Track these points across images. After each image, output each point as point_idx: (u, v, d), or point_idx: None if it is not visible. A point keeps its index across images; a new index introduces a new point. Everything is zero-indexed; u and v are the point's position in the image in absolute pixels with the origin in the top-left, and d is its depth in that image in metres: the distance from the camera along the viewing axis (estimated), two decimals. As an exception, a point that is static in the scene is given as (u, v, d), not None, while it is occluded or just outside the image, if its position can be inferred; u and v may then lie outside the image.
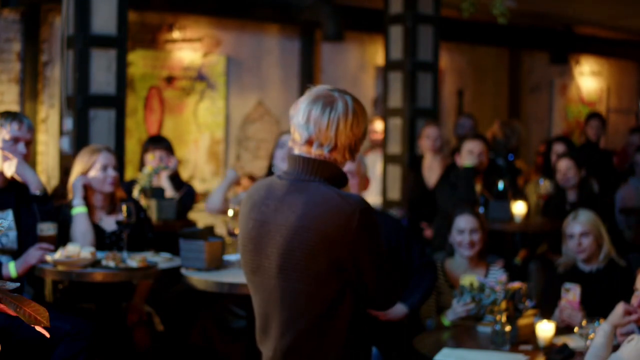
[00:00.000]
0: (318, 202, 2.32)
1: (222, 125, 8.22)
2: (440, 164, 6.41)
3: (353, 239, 2.30)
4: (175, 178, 5.88)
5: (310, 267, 2.31)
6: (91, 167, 4.28)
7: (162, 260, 4.08)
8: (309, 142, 2.39)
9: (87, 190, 4.31)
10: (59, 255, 3.83)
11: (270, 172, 5.06)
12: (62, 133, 5.94)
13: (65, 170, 5.48)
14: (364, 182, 4.07)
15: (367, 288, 2.38)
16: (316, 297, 2.33)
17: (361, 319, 2.40)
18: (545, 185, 6.24)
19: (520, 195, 6.05)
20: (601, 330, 3.02)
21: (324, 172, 2.38)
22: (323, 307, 2.33)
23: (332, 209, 2.30)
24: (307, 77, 8.66)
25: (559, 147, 6.74)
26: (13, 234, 4.01)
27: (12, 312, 1.67)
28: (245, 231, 2.46)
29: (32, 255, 3.87)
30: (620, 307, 3.10)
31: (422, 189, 6.33)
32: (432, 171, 6.43)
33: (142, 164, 5.90)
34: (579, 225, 4.23)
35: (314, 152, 2.39)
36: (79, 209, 4.21)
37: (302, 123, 2.40)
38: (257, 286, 2.45)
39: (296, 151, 2.44)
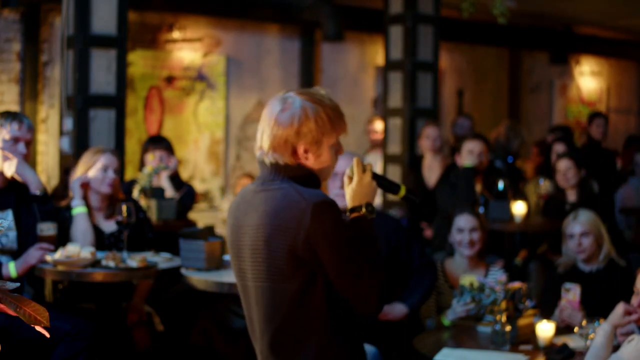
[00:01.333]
0: (277, 199, 2.35)
1: (222, 125, 8.22)
2: (440, 164, 6.41)
3: (307, 232, 2.28)
4: (175, 178, 5.88)
5: (272, 263, 2.34)
6: (92, 166, 4.28)
7: (162, 260, 4.08)
8: (260, 148, 2.44)
9: (86, 190, 4.31)
10: (59, 255, 3.83)
11: None
12: (62, 133, 5.94)
13: (65, 170, 5.48)
14: None
15: (337, 288, 2.34)
16: (283, 293, 2.34)
17: (340, 316, 2.37)
18: (545, 185, 6.24)
19: (520, 195, 6.05)
20: (601, 330, 3.02)
21: (288, 172, 2.40)
22: (291, 303, 2.34)
23: (287, 204, 2.32)
24: (307, 77, 8.66)
25: (559, 147, 6.74)
26: (13, 234, 4.01)
27: (12, 312, 1.67)
28: (228, 237, 2.53)
29: (32, 255, 3.87)
30: (620, 307, 3.10)
31: (422, 188, 6.33)
32: (432, 171, 6.43)
33: (142, 164, 5.90)
34: (579, 225, 4.23)
35: (265, 156, 2.42)
36: (78, 209, 4.21)
37: (258, 134, 2.47)
38: (242, 289, 2.50)
39: (259, 158, 2.48)
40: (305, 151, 2.39)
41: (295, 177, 2.40)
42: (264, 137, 2.40)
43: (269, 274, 2.35)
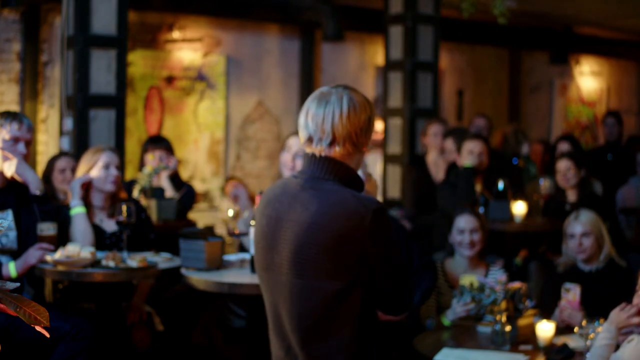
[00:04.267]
0: (332, 201, 2.33)
1: (222, 125, 8.22)
2: (445, 161, 6.41)
3: (364, 239, 2.30)
4: (175, 178, 5.88)
5: (319, 264, 2.33)
6: (93, 165, 4.28)
7: (162, 260, 4.08)
8: (310, 140, 2.41)
9: (88, 189, 4.31)
10: (59, 255, 3.83)
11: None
12: (62, 133, 5.94)
13: (44, 176, 5.32)
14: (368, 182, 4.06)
15: (379, 290, 2.38)
16: (323, 293, 2.34)
17: (370, 317, 2.40)
18: (545, 185, 6.24)
19: (520, 195, 6.05)
20: (607, 333, 3.01)
21: (339, 173, 2.39)
22: (330, 303, 2.34)
23: (345, 209, 2.31)
24: (307, 77, 8.66)
25: (563, 147, 6.74)
26: (13, 234, 4.01)
27: (12, 312, 1.67)
28: (259, 228, 2.48)
29: (32, 255, 3.87)
30: (622, 309, 3.08)
31: (429, 184, 6.34)
32: (438, 167, 6.43)
33: (142, 164, 5.90)
34: (580, 226, 4.23)
35: (315, 148, 2.40)
36: (77, 210, 4.21)
37: (302, 123, 2.42)
38: (269, 283, 2.46)
39: (307, 150, 2.44)
40: (352, 144, 2.39)
41: (344, 176, 2.39)
42: (325, 126, 2.36)
43: (311, 273, 2.34)
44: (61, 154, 5.47)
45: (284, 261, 2.39)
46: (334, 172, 2.38)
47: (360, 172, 2.51)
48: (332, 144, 2.38)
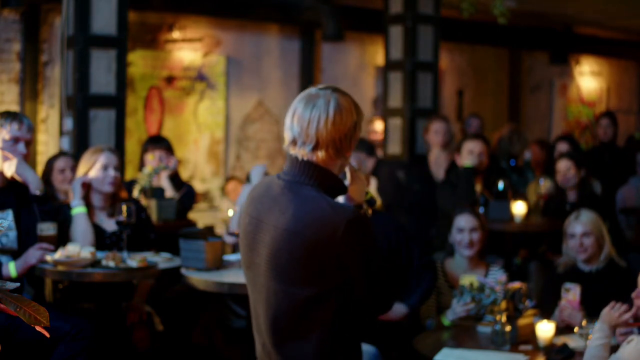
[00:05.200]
0: (308, 209, 2.32)
1: (222, 125, 8.22)
2: (447, 158, 6.41)
3: (339, 248, 2.30)
4: (175, 178, 5.88)
5: (292, 271, 2.33)
6: (92, 166, 4.28)
7: (162, 260, 4.08)
8: (294, 142, 2.38)
9: (88, 190, 4.31)
10: (59, 255, 3.83)
11: None
12: (62, 133, 5.93)
13: (43, 176, 5.33)
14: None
15: (358, 294, 2.38)
16: (296, 298, 2.34)
17: (345, 322, 2.39)
18: (545, 185, 6.24)
19: (520, 195, 6.05)
20: (601, 332, 3.01)
21: (319, 178, 2.37)
22: (302, 308, 2.35)
23: (319, 218, 2.30)
24: (307, 77, 8.66)
25: (562, 147, 6.74)
26: (13, 234, 4.00)
27: (12, 312, 1.67)
28: (243, 226, 2.49)
29: (32, 255, 3.86)
30: (612, 308, 3.08)
31: (431, 183, 6.34)
32: (439, 166, 6.43)
33: (142, 164, 5.90)
34: (581, 226, 4.23)
35: (299, 151, 2.37)
36: (78, 209, 4.21)
37: (288, 124, 2.40)
38: (250, 282, 2.49)
39: (291, 152, 2.43)
40: (335, 149, 2.36)
41: (325, 182, 2.37)
42: (309, 131, 2.34)
43: (286, 278, 2.34)
44: (60, 153, 5.47)
45: (262, 263, 2.40)
46: (314, 177, 2.36)
47: (348, 173, 2.48)
48: (315, 148, 2.35)
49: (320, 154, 2.36)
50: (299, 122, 2.36)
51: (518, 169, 6.89)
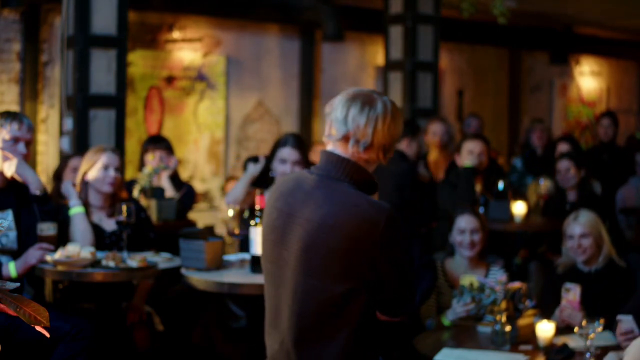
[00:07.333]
0: (346, 204, 2.34)
1: (222, 125, 8.22)
2: (446, 159, 6.42)
3: (375, 246, 2.32)
4: (175, 178, 5.88)
5: (327, 265, 2.33)
6: (93, 165, 4.28)
7: (162, 260, 4.08)
8: (346, 138, 2.41)
9: (88, 189, 4.31)
10: (59, 255, 3.83)
11: (266, 174, 4.83)
12: (62, 133, 5.94)
13: (56, 175, 5.38)
14: None
15: (384, 294, 2.39)
16: (328, 294, 2.34)
17: (369, 322, 2.41)
18: (545, 185, 6.24)
19: (520, 195, 6.05)
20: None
21: (355, 175, 2.40)
22: (334, 305, 2.34)
23: (359, 213, 2.32)
24: (307, 77, 8.66)
25: (563, 147, 6.74)
26: (13, 234, 4.00)
27: (12, 312, 1.67)
28: (269, 221, 2.48)
29: (32, 255, 3.86)
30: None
31: (431, 184, 6.34)
32: (438, 167, 6.44)
33: (142, 164, 5.90)
34: (579, 227, 4.22)
35: (350, 148, 2.40)
36: (76, 209, 4.21)
37: (341, 119, 2.41)
38: (273, 277, 2.46)
39: (329, 147, 2.45)
40: (383, 151, 2.43)
41: (360, 180, 2.41)
42: (367, 130, 2.39)
43: (319, 273, 2.34)
44: (75, 153, 5.49)
45: (292, 257, 2.38)
46: (350, 174, 2.39)
47: None
48: (368, 148, 2.40)
49: (372, 154, 2.41)
50: (354, 120, 2.39)
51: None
